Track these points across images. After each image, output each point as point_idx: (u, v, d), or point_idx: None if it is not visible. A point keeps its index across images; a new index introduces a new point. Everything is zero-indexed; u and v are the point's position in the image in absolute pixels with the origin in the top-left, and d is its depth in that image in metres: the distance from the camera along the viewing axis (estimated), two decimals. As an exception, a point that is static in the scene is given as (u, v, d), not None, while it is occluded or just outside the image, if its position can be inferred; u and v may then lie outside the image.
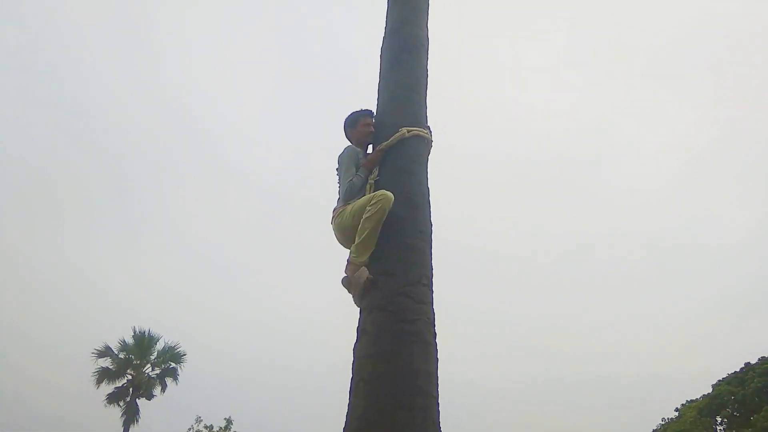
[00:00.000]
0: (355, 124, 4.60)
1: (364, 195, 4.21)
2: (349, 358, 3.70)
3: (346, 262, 4.06)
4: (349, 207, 4.18)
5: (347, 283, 4.00)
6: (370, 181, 4.29)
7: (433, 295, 3.87)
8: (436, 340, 3.69)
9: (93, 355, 24.52)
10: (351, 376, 3.60)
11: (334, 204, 4.39)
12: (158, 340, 25.59)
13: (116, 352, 24.88)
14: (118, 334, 25.93)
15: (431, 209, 4.17)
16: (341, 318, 4.04)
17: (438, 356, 3.66)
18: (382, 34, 4.92)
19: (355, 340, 3.73)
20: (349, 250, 4.13)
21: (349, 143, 4.57)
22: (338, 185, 4.43)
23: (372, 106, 4.65)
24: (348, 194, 4.27)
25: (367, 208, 3.98)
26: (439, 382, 3.57)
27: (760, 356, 26.98)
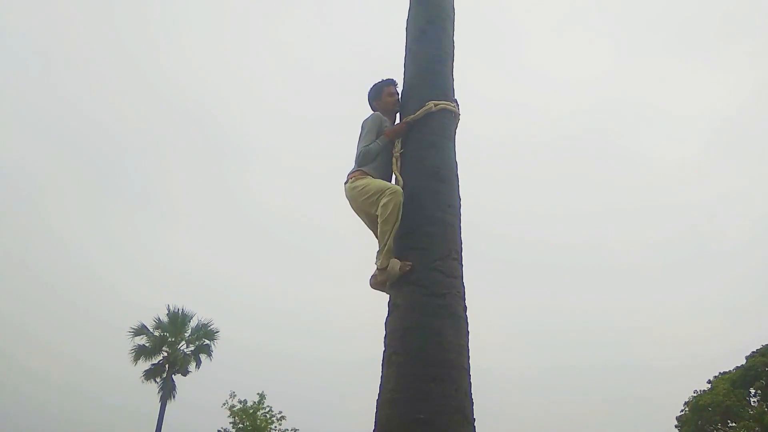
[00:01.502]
0: (379, 94, 4.59)
1: (382, 167, 4.22)
2: (375, 345, 3.73)
3: (375, 269, 3.99)
4: (363, 182, 4.15)
5: (380, 284, 3.93)
6: (395, 154, 4.27)
7: (463, 269, 3.87)
8: (467, 314, 3.71)
9: (129, 333, 25.22)
10: (383, 348, 3.64)
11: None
12: (192, 318, 26.20)
13: (151, 330, 25.54)
14: (153, 312, 26.59)
15: (459, 183, 4.16)
16: (372, 299, 4.06)
17: (468, 329, 3.68)
18: (407, 6, 4.86)
19: (386, 314, 3.77)
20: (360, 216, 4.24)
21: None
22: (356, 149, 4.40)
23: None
24: (362, 159, 4.27)
25: (381, 206, 3.94)
26: (470, 355, 3.60)
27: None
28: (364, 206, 4.15)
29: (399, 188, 4.01)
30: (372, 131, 4.34)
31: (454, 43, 4.67)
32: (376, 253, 4.03)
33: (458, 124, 4.37)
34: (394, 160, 4.27)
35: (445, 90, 4.41)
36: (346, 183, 4.32)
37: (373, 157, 4.28)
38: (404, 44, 4.73)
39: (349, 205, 4.32)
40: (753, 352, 27.28)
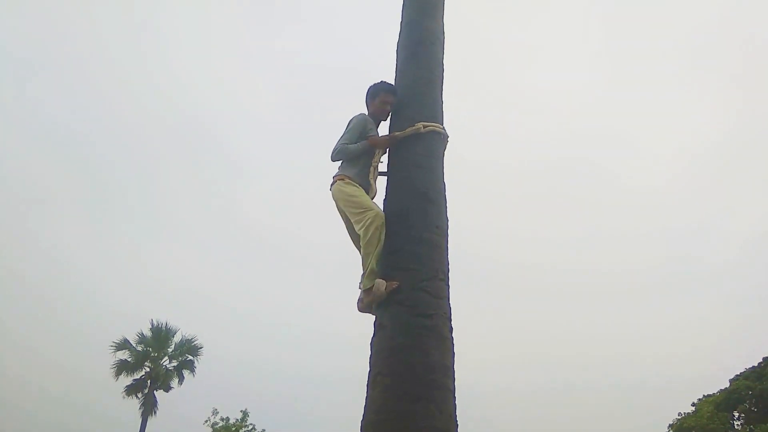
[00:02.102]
0: (375, 96, 4.56)
1: (364, 176, 4.28)
2: (362, 360, 3.73)
3: (360, 292, 4.00)
4: (351, 190, 4.19)
5: (367, 306, 3.92)
6: (374, 163, 4.32)
7: (450, 290, 3.89)
8: (453, 335, 3.72)
9: (112, 347, 24.87)
10: (369, 369, 3.63)
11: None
12: (175, 333, 25.90)
13: (134, 345, 25.21)
14: (140, 323, 26.23)
15: (447, 205, 4.19)
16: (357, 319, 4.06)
17: (454, 350, 3.68)
18: (398, 29, 4.92)
19: (372, 334, 3.76)
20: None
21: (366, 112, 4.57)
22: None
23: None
24: (338, 154, 4.32)
25: (363, 228, 3.98)
26: (455, 376, 3.60)
27: (779, 351, 26.67)
28: (348, 214, 4.20)
29: (380, 212, 4.06)
30: (355, 131, 4.37)
31: (443, 66, 4.73)
32: (360, 277, 4.04)
33: (446, 147, 4.41)
34: (371, 168, 4.31)
35: (434, 112, 4.45)
36: (333, 184, 4.34)
37: (349, 156, 4.32)
38: (395, 64, 4.78)
39: (335, 205, 4.35)
40: (737, 375, 27.46)
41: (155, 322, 25.78)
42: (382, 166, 4.45)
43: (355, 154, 4.33)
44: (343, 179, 4.29)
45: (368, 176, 4.33)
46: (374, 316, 3.85)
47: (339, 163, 4.45)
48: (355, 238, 4.21)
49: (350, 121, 4.45)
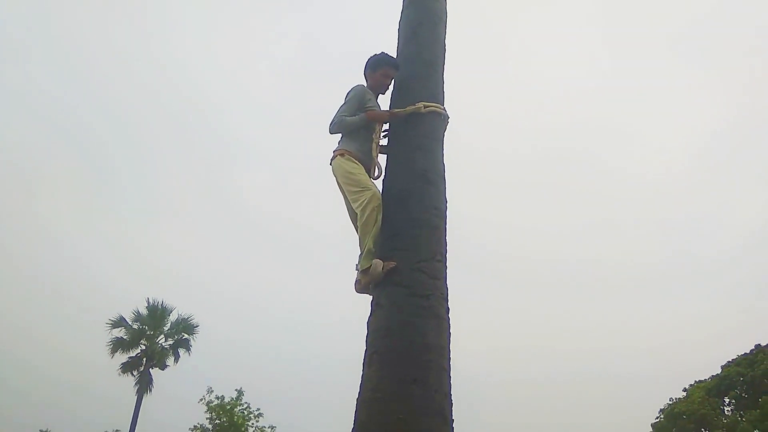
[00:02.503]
0: (376, 68, 4.49)
1: (365, 152, 4.25)
2: (357, 344, 3.74)
3: (357, 273, 3.99)
4: (351, 167, 4.16)
5: (364, 286, 3.90)
6: (375, 139, 4.29)
7: (447, 271, 3.89)
8: (449, 316, 3.73)
9: (107, 325, 24.95)
10: (365, 348, 3.65)
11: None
12: (171, 312, 25.98)
13: (130, 323, 25.28)
14: (137, 305, 26.26)
15: (446, 186, 4.18)
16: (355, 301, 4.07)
17: (450, 331, 3.70)
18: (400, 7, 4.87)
19: (369, 314, 3.77)
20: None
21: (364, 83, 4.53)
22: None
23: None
24: (336, 126, 4.27)
25: (359, 209, 3.98)
26: (451, 356, 3.62)
27: (771, 339, 26.90)
28: (346, 191, 4.19)
29: (378, 192, 4.06)
30: (353, 102, 4.31)
31: (445, 46, 4.69)
32: (357, 257, 4.04)
33: (447, 128, 4.39)
34: (373, 145, 4.27)
35: (435, 93, 4.42)
36: (333, 159, 4.31)
37: (348, 129, 4.28)
38: (396, 45, 4.74)
39: (335, 180, 4.33)
40: (728, 361, 27.72)
41: (151, 301, 25.85)
42: (383, 145, 4.43)
43: (353, 127, 4.28)
44: (343, 154, 4.25)
45: (370, 152, 4.30)
46: (371, 297, 3.86)
47: (339, 137, 4.41)
48: (353, 215, 4.20)
49: (348, 92, 4.40)
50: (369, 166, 4.29)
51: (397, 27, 4.80)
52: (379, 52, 4.54)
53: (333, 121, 4.29)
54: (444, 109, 4.37)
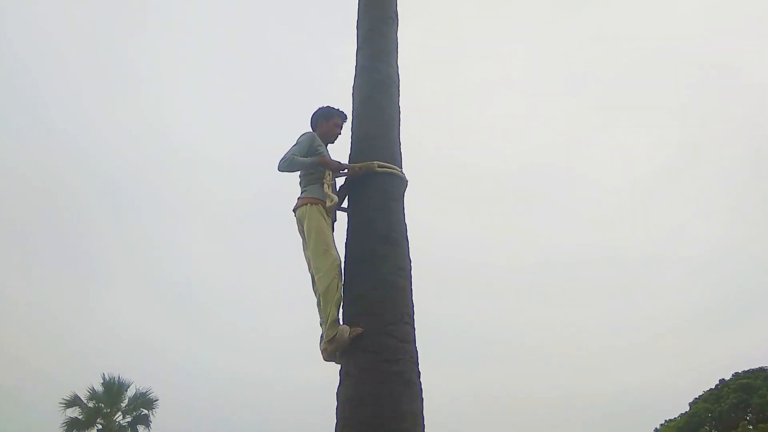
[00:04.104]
0: (329, 117, 4.64)
1: (321, 191, 4.24)
2: (325, 412, 3.61)
3: (321, 343, 3.89)
4: (318, 222, 4.14)
5: (331, 355, 3.79)
6: (328, 180, 4.27)
7: (416, 332, 3.83)
8: (421, 380, 3.64)
9: (61, 405, 23.66)
10: (335, 420, 3.51)
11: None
12: (129, 386, 24.86)
13: (85, 401, 24.06)
14: (87, 380, 25.02)
15: (409, 246, 4.16)
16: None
17: (423, 396, 3.60)
18: (353, 73, 4.95)
19: (338, 384, 3.65)
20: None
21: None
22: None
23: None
24: (287, 163, 4.24)
25: (319, 277, 3.97)
26: (425, 423, 3.52)
27: (733, 372, 27.41)
28: (312, 247, 4.12)
29: (338, 258, 4.04)
30: (304, 145, 4.35)
31: (400, 108, 4.77)
32: (320, 326, 3.94)
33: (406, 189, 4.41)
34: (326, 186, 4.25)
35: (393, 153, 4.45)
36: (301, 205, 4.26)
37: (298, 168, 4.30)
38: (351, 108, 4.79)
39: (297, 226, 4.30)
40: (695, 398, 27.99)
41: (107, 376, 24.72)
42: (343, 207, 4.43)
43: (303, 167, 4.30)
44: (317, 203, 4.22)
45: (325, 191, 4.27)
46: (339, 365, 3.75)
47: (296, 180, 4.45)
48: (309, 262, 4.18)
49: (300, 136, 4.43)
50: (333, 210, 4.30)
51: (351, 91, 4.86)
52: (323, 106, 4.68)
53: (284, 158, 4.26)
54: (401, 171, 4.39)
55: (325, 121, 4.63)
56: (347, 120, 4.68)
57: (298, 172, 4.42)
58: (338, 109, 4.70)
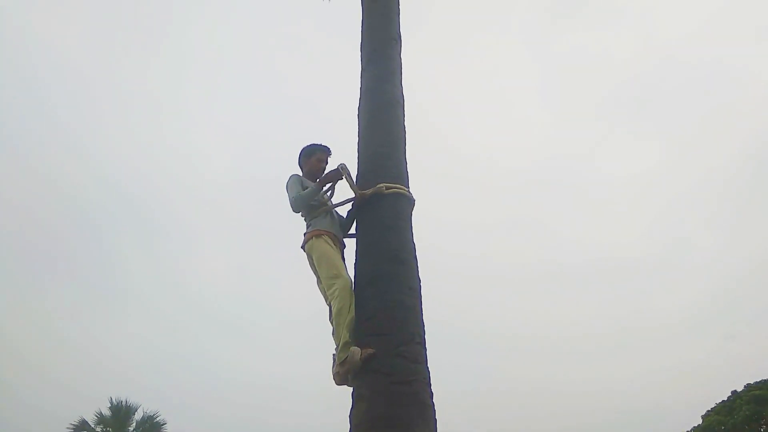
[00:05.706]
0: (310, 155, 4.77)
1: (329, 222, 4.37)
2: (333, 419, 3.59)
3: (333, 366, 3.87)
4: (324, 250, 4.21)
5: (343, 378, 3.77)
6: (326, 201, 4.44)
7: (428, 352, 3.80)
8: (434, 401, 3.61)
9: (69, 430, 23.57)
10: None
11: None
12: (136, 410, 24.77)
13: (93, 426, 23.95)
14: (95, 402, 24.92)
15: (419, 265, 4.15)
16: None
17: (436, 417, 3.57)
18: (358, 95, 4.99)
19: (350, 407, 3.63)
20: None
21: (299, 172, 4.72)
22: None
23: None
24: (297, 201, 4.37)
25: (331, 299, 4.01)
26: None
27: (745, 383, 27.08)
28: (321, 274, 4.20)
29: (349, 280, 4.07)
30: (295, 187, 4.45)
31: (405, 128, 4.80)
32: (333, 349, 3.93)
33: (413, 208, 4.41)
34: (330, 214, 4.42)
35: (399, 173, 4.47)
36: (307, 241, 4.34)
37: (307, 200, 4.38)
38: (357, 130, 4.82)
39: (308, 262, 4.37)
40: (708, 411, 27.66)
41: (114, 400, 24.64)
42: (351, 233, 4.46)
43: (309, 196, 4.39)
44: (319, 235, 4.29)
45: (338, 224, 4.45)
46: (351, 388, 3.73)
47: (303, 219, 4.53)
48: (326, 294, 4.19)
49: (287, 183, 4.54)
50: (340, 238, 4.39)
51: (357, 113, 4.89)
52: (308, 143, 4.83)
53: (290, 203, 4.41)
54: (408, 191, 4.41)
55: (308, 159, 4.78)
56: (331, 154, 4.80)
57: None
58: (320, 144, 4.83)
